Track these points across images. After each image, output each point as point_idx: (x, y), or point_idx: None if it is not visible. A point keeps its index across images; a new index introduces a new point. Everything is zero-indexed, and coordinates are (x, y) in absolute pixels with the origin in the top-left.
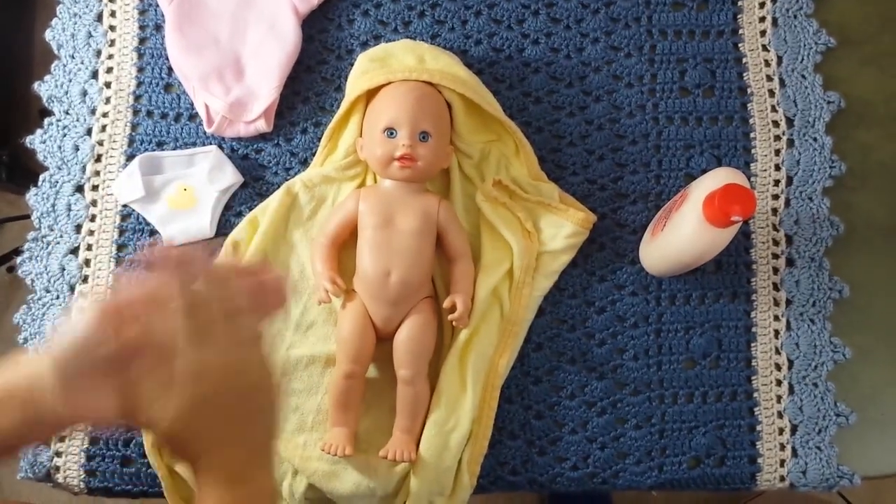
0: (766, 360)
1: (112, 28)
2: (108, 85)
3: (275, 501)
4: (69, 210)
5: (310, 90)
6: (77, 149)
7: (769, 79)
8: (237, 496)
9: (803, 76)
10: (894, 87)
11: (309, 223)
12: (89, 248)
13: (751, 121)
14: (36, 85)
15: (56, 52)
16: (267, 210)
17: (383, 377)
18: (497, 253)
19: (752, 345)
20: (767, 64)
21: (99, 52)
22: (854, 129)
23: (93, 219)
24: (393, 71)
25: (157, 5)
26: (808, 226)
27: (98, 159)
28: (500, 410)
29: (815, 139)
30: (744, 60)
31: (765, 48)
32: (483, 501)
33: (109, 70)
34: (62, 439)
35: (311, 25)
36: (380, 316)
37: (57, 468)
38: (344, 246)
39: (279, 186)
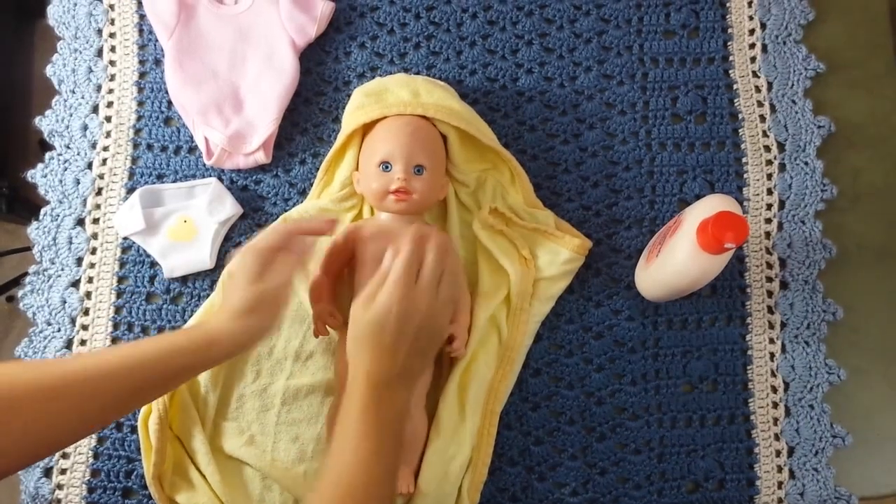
0: (762, 382)
1: (112, 63)
2: (108, 119)
3: (405, 417)
4: (70, 243)
5: (308, 122)
6: (78, 182)
7: (760, 104)
8: (385, 396)
9: (793, 101)
10: (883, 111)
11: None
12: (90, 280)
13: (742, 146)
14: (37, 119)
15: (57, 87)
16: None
17: None
18: (495, 280)
19: (749, 368)
20: (758, 90)
21: (99, 87)
22: (844, 153)
23: (94, 252)
24: (388, 105)
25: (157, 40)
26: (801, 249)
27: (99, 192)
28: (500, 437)
29: (806, 163)
30: (734, 87)
31: (755, 74)
32: None
33: (110, 104)
34: (63, 472)
35: (309, 58)
36: None
37: (58, 500)
38: (341, 278)
39: (278, 217)
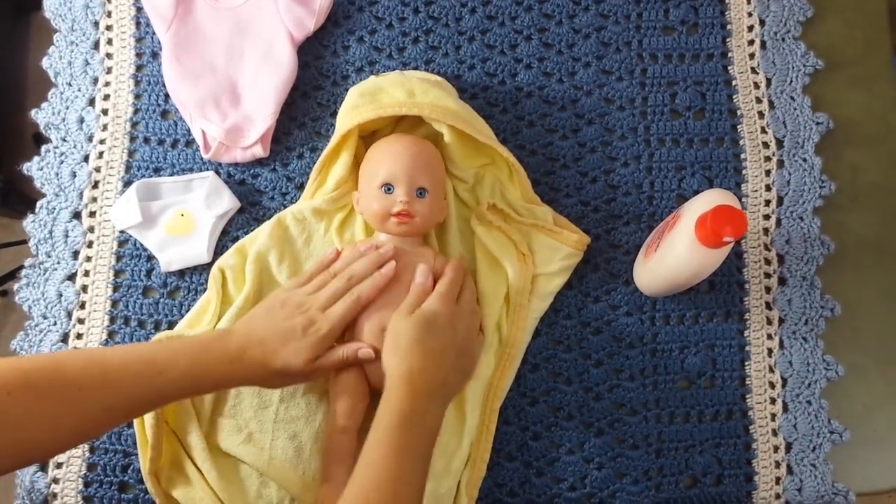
0: (759, 378)
1: (109, 56)
2: (105, 112)
3: (436, 438)
4: (66, 236)
5: (306, 116)
6: (74, 175)
7: (758, 101)
8: (423, 408)
9: (792, 98)
10: (881, 108)
11: (302, 254)
12: (87, 274)
13: (741, 142)
14: (33, 112)
15: (53, 79)
16: (256, 241)
17: None
18: (493, 277)
19: (746, 363)
20: (757, 86)
21: (96, 80)
22: (843, 150)
23: (90, 245)
24: (383, 105)
25: (154, 33)
26: (800, 245)
27: (95, 186)
28: (498, 432)
29: (804, 160)
30: (733, 83)
31: (754, 71)
32: None
33: (106, 97)
34: (59, 466)
35: (307, 52)
36: (373, 372)
37: (54, 495)
38: None
39: (276, 212)
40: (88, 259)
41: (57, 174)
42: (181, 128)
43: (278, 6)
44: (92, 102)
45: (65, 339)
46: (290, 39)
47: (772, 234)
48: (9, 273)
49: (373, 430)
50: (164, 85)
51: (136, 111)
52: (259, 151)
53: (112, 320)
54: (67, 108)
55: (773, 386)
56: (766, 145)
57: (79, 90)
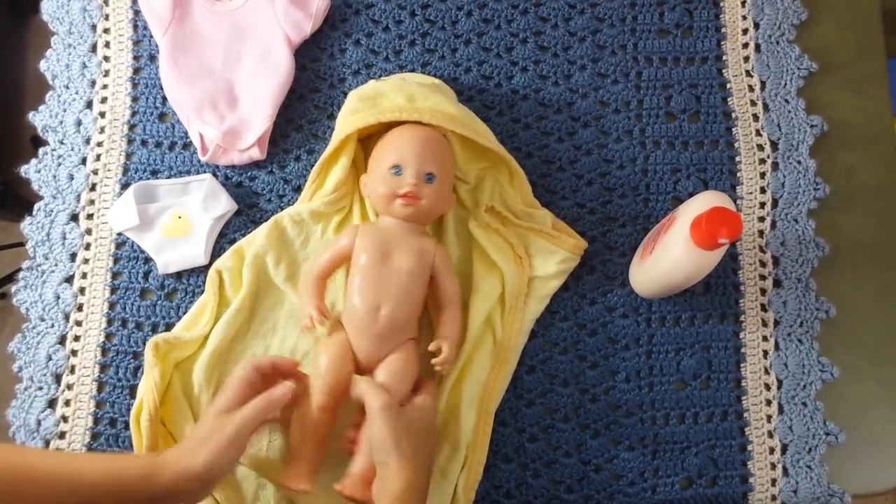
0: (755, 380)
1: (106, 58)
2: (102, 114)
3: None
4: (64, 239)
5: (303, 118)
6: (72, 178)
7: (753, 103)
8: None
9: (786, 100)
10: (875, 110)
11: (300, 256)
12: (84, 276)
13: (736, 145)
14: (30, 115)
15: (51, 82)
16: (253, 243)
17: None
18: (488, 278)
19: (742, 365)
20: (751, 89)
21: (93, 83)
22: (837, 152)
23: (87, 247)
24: (383, 110)
25: (152, 36)
26: (795, 247)
27: (93, 188)
28: (494, 434)
29: (799, 162)
30: (728, 86)
31: (748, 73)
32: None
33: (104, 100)
34: None
35: (304, 55)
36: (363, 350)
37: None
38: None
39: (273, 214)
40: (86, 261)
41: (54, 176)
42: (178, 130)
43: (275, 9)
44: (89, 105)
45: (62, 341)
46: (288, 42)
47: (767, 236)
48: (7, 276)
49: None
50: (161, 87)
51: (133, 114)
52: (256, 154)
53: (109, 322)
54: (65, 110)
55: (768, 388)
56: (760, 148)
57: (76, 93)
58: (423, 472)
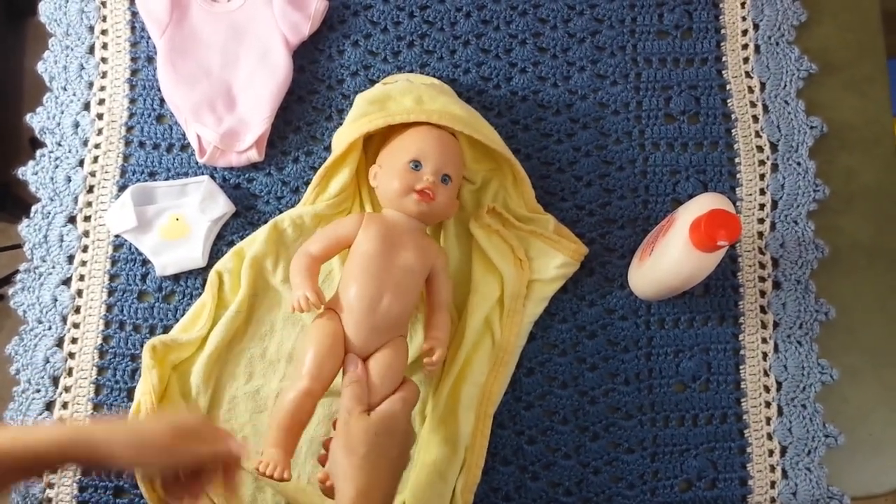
0: (754, 382)
1: (104, 60)
2: (100, 116)
3: None
4: (61, 241)
5: (301, 120)
6: (69, 180)
7: (753, 105)
8: None
9: (786, 102)
10: (875, 112)
11: None
12: (81, 278)
13: (735, 146)
14: (28, 117)
15: (48, 84)
16: (253, 244)
17: None
18: (487, 280)
19: (741, 367)
20: (751, 90)
21: (91, 84)
22: (837, 153)
23: (85, 249)
24: (391, 113)
25: (149, 37)
26: (794, 249)
27: (90, 190)
28: (493, 436)
29: (798, 163)
30: (728, 87)
31: (748, 75)
32: None
33: (101, 102)
34: (54, 470)
35: (302, 56)
36: (358, 341)
37: (49, 500)
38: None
39: (271, 216)
40: (83, 263)
41: (52, 178)
42: (176, 132)
43: (273, 11)
44: (87, 107)
45: (60, 343)
46: (286, 44)
47: (766, 237)
48: (4, 277)
49: None
50: (159, 89)
51: (131, 115)
52: (254, 155)
53: (107, 325)
54: (62, 112)
55: (767, 390)
56: (760, 149)
57: (74, 95)
58: (382, 480)
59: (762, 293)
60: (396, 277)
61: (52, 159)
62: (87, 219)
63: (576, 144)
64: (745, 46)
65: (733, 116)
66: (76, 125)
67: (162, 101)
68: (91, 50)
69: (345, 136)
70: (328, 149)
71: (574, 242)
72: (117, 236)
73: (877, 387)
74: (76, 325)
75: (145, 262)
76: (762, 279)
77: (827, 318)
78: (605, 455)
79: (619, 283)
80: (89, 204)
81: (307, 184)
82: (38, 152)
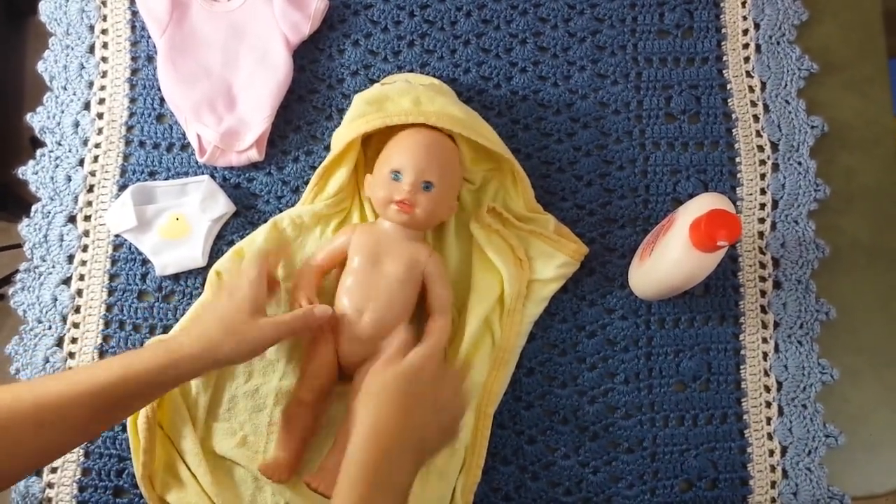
0: (755, 382)
1: (104, 60)
2: (100, 116)
3: (405, 490)
4: (61, 240)
5: (301, 119)
6: (69, 179)
7: (753, 104)
8: (388, 466)
9: (787, 101)
10: (875, 111)
11: (297, 257)
12: (81, 278)
13: (736, 146)
14: (28, 116)
15: (48, 83)
16: (253, 244)
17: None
18: (487, 280)
19: (741, 367)
20: (752, 90)
21: (91, 84)
22: (838, 153)
23: (85, 249)
24: (389, 114)
25: (149, 37)
26: (795, 249)
27: (90, 190)
28: (493, 436)
29: (799, 163)
30: (728, 86)
31: (749, 74)
32: None
33: (102, 101)
34: (54, 470)
35: (302, 56)
36: (344, 351)
37: (49, 500)
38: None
39: (271, 215)
40: (83, 263)
41: (52, 178)
42: (176, 131)
43: (274, 10)
44: (87, 106)
45: (60, 343)
46: (286, 43)
47: (767, 237)
48: (4, 277)
49: (339, 482)
50: (159, 89)
51: (131, 115)
52: (254, 155)
53: (107, 324)
54: (63, 111)
55: (768, 390)
56: (760, 149)
57: (74, 94)
58: (400, 438)
59: (763, 293)
60: (382, 288)
61: (52, 159)
62: (87, 218)
63: (576, 144)
64: (745, 46)
65: (734, 116)
66: (76, 125)
67: (162, 100)
68: (91, 49)
69: (342, 137)
70: (328, 148)
71: (574, 242)
72: (117, 236)
73: (877, 387)
74: (76, 325)
75: (145, 261)
76: (763, 279)
77: (827, 317)
78: (605, 455)
79: (620, 283)
80: (89, 203)
81: (307, 183)
82: (39, 152)
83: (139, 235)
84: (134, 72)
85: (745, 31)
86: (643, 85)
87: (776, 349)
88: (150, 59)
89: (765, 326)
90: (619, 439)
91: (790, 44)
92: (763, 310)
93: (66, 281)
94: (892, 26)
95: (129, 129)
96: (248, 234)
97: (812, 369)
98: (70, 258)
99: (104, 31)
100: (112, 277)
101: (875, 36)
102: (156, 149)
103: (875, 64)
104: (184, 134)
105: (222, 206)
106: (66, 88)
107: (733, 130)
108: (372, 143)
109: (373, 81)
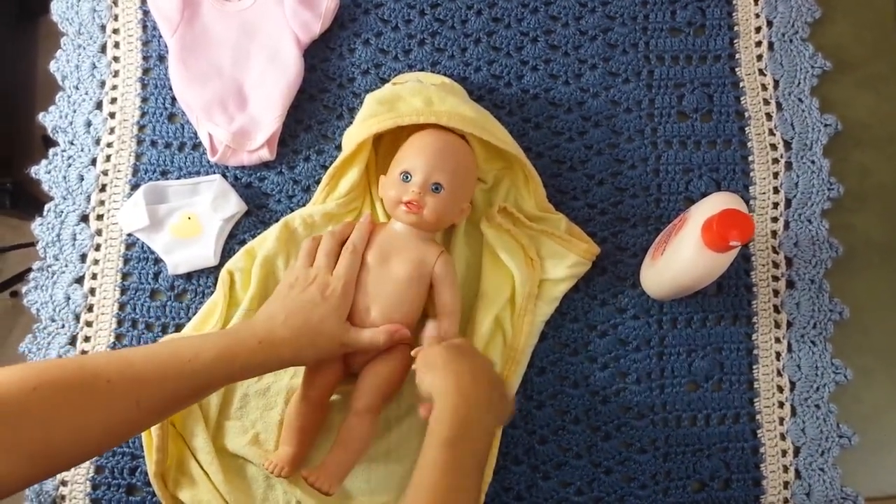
0: (767, 382)
1: (116, 59)
2: (112, 115)
3: (487, 455)
4: (74, 239)
5: (312, 118)
6: (82, 178)
7: (766, 102)
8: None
9: (800, 99)
10: (889, 110)
11: None
12: (94, 277)
13: (749, 144)
14: (41, 115)
15: (60, 83)
16: (265, 243)
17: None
18: (497, 280)
19: (754, 367)
20: (764, 88)
21: (103, 83)
22: (851, 152)
23: (98, 248)
24: (401, 114)
25: (161, 36)
26: (808, 248)
27: (103, 189)
28: (504, 436)
29: (812, 162)
30: (741, 84)
31: (761, 72)
32: None
33: (113, 101)
34: None
35: (313, 55)
36: (355, 357)
37: (63, 497)
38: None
39: (282, 214)
40: (96, 262)
41: (65, 177)
42: (188, 131)
43: (284, 9)
44: (99, 106)
45: (73, 341)
46: (297, 42)
47: (780, 236)
48: (17, 274)
49: (425, 448)
50: (170, 88)
51: (143, 114)
52: (265, 154)
53: (120, 323)
54: (75, 111)
55: (781, 390)
56: (773, 147)
57: (86, 93)
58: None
59: (776, 292)
60: (388, 288)
61: (64, 158)
62: (99, 217)
63: (588, 143)
64: (758, 44)
65: (746, 114)
66: (88, 124)
67: (173, 99)
68: (103, 49)
69: (354, 136)
70: (339, 147)
71: (586, 242)
72: (130, 235)
73: (891, 387)
74: (89, 324)
75: (157, 260)
76: (776, 278)
77: (841, 317)
78: (617, 455)
79: (631, 283)
80: (102, 202)
81: (318, 182)
82: (51, 151)
83: (151, 234)
84: (145, 71)
85: (758, 29)
86: (655, 83)
87: (789, 349)
88: (162, 58)
89: (778, 326)
90: (632, 439)
91: (803, 41)
92: (776, 309)
93: (79, 280)
94: None
95: (141, 128)
96: (259, 234)
97: (825, 369)
98: (83, 257)
99: (116, 31)
100: (125, 276)
101: (889, 33)
102: (167, 148)
103: (889, 62)
104: (195, 133)
105: (234, 205)
106: (78, 88)
107: (746, 129)
108: (383, 143)
109: (383, 80)
